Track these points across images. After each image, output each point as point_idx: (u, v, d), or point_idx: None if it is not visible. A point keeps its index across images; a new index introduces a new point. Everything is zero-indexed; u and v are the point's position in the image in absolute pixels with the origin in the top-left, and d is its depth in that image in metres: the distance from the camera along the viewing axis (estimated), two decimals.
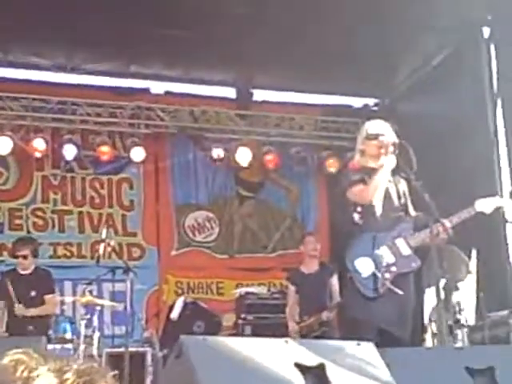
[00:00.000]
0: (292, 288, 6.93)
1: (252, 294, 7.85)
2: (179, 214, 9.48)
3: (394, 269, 4.30)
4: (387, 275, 4.27)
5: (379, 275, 4.25)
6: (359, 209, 4.44)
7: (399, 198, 4.54)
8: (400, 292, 4.22)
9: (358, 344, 3.23)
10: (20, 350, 0.97)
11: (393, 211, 4.48)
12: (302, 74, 8.89)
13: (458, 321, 5.42)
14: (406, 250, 4.38)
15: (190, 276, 9.32)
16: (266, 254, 9.69)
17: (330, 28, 7.70)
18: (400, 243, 4.38)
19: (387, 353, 3.33)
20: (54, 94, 8.70)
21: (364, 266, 4.29)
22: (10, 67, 8.70)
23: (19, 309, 6.16)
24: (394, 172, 4.56)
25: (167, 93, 9.46)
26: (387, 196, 4.50)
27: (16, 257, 6.59)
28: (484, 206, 4.40)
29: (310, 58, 8.28)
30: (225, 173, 9.68)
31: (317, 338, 6.28)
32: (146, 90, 9.37)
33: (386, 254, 4.34)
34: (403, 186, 4.58)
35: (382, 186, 4.39)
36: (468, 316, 5.78)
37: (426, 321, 5.97)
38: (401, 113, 9.16)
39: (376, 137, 4.48)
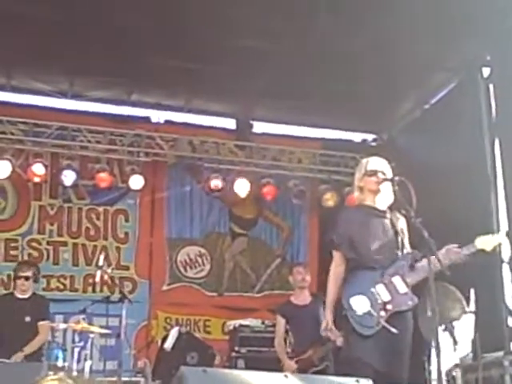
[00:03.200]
0: (282, 320, 6.80)
1: (246, 326, 7.77)
2: (172, 248, 9.47)
3: (389, 307, 4.27)
4: (382, 313, 4.24)
5: (374, 313, 4.22)
6: (354, 245, 4.44)
7: (396, 234, 4.53)
8: (394, 331, 4.18)
9: (357, 381, 3.20)
10: (55, 377, 0.91)
11: (389, 248, 4.46)
12: (301, 107, 8.96)
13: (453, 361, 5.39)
14: (402, 288, 4.34)
15: (178, 312, 9.26)
16: (253, 293, 9.67)
17: (331, 64, 7.77)
18: (397, 281, 4.35)
19: None
20: (54, 120, 8.71)
21: (359, 304, 4.26)
22: (12, 92, 8.72)
23: (17, 357, 6.07)
24: (393, 208, 4.56)
25: (167, 122, 9.49)
26: (384, 233, 4.49)
27: (19, 278, 6.59)
28: (484, 243, 4.35)
29: (311, 92, 8.35)
30: (219, 208, 9.70)
31: (317, 372, 6.19)
32: (146, 119, 9.41)
33: (382, 292, 4.31)
34: (402, 223, 4.57)
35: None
36: (463, 356, 5.74)
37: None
38: (399, 149, 9.21)
39: (375, 173, 4.51)
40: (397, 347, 4.26)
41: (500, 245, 4.47)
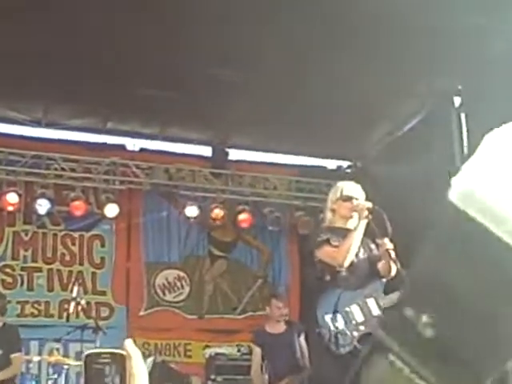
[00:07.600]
0: (257, 350, 6.77)
1: (222, 354, 7.74)
2: (150, 272, 9.39)
3: (362, 328, 4.30)
4: (355, 334, 4.27)
5: (348, 333, 4.24)
6: (326, 267, 4.46)
7: (369, 258, 4.57)
8: None
9: None
10: None
11: (360, 271, 4.50)
12: (276, 135, 9.03)
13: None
14: (375, 311, 4.39)
15: (157, 337, 9.14)
16: (235, 315, 9.61)
17: (305, 91, 7.85)
18: (371, 303, 4.40)
19: None
20: (28, 148, 8.67)
21: (334, 322, 4.29)
22: None
23: None
24: (366, 235, 4.60)
25: (142, 150, 9.49)
26: (356, 256, 4.53)
27: None
28: None
29: (286, 119, 8.41)
30: (198, 231, 9.65)
31: None
32: (121, 147, 9.39)
33: (356, 312, 4.34)
34: (375, 249, 4.61)
35: (355, 248, 4.42)
36: None
37: None
38: (373, 176, 9.28)
39: (350, 199, 4.56)
40: None
41: None
